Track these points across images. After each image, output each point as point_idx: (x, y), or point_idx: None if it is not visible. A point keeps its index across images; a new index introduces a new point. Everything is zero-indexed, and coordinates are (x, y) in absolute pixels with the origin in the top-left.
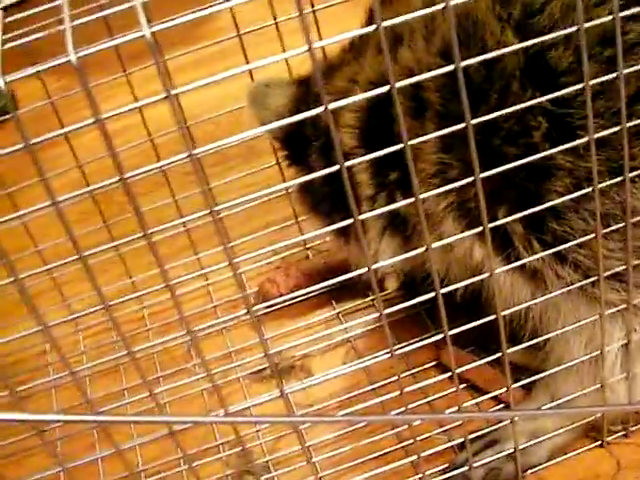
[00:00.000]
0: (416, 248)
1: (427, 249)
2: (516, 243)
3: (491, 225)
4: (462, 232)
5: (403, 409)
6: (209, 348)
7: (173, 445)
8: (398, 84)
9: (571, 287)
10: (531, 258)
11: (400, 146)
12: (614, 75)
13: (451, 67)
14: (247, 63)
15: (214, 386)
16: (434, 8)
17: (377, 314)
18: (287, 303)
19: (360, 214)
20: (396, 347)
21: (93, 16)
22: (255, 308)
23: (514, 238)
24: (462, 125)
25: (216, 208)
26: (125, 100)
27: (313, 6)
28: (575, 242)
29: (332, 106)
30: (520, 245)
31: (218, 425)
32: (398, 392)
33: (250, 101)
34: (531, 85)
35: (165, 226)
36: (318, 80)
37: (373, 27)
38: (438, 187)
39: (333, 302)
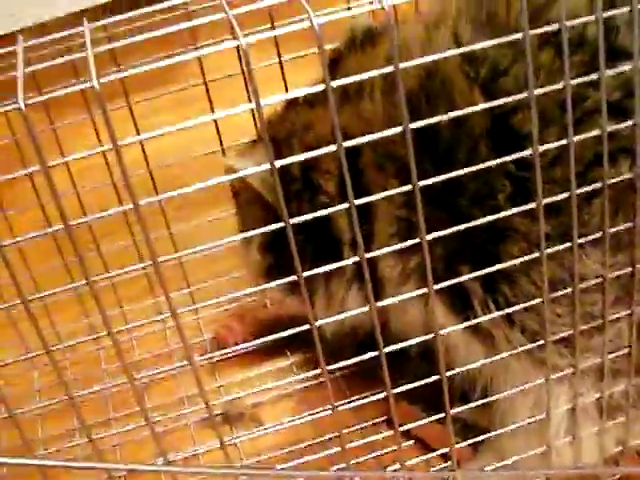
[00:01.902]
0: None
1: (370, 308)
2: (475, 305)
3: (445, 284)
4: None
5: (344, 465)
6: (162, 392)
7: None
8: (345, 143)
9: (518, 350)
10: (477, 320)
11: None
12: (564, 142)
13: (399, 129)
14: (212, 110)
15: (153, 433)
16: (386, 69)
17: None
18: (242, 351)
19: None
20: (339, 403)
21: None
22: (209, 355)
23: (473, 300)
24: (408, 187)
25: (160, 259)
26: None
27: (280, 56)
28: (521, 306)
29: (279, 163)
30: (478, 307)
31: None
32: (345, 446)
33: None
34: (497, 147)
35: (111, 274)
36: (264, 136)
37: (322, 87)
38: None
39: (288, 352)
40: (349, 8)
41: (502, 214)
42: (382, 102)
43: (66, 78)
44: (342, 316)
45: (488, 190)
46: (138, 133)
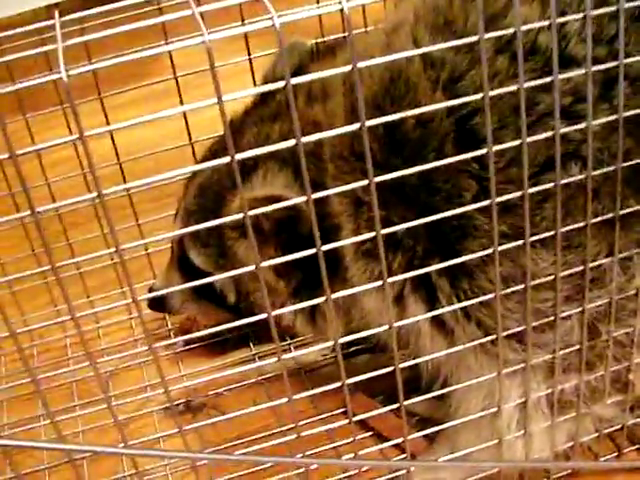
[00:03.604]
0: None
1: (327, 299)
2: (441, 299)
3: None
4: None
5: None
6: (127, 381)
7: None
8: (304, 139)
9: (472, 344)
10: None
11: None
12: (517, 143)
13: (356, 126)
14: (181, 104)
15: (114, 418)
16: (339, 70)
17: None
18: (206, 342)
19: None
20: (296, 394)
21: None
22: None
23: (440, 295)
24: (366, 182)
25: (123, 247)
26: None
27: (249, 54)
28: (474, 301)
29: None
30: (445, 302)
31: (127, 458)
32: (307, 434)
33: None
34: (461, 148)
35: (77, 260)
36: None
37: (282, 83)
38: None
39: (251, 344)
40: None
41: (458, 211)
42: (344, 104)
43: (41, 70)
44: (298, 306)
45: (457, 190)
46: (108, 124)
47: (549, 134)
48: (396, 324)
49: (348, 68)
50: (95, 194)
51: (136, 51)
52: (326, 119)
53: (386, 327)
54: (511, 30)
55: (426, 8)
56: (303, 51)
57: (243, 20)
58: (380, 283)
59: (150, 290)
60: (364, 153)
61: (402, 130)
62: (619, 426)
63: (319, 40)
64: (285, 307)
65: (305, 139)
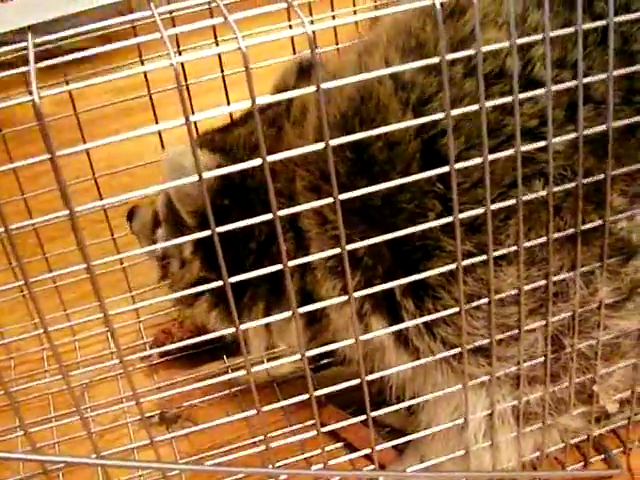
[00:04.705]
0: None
1: (293, 314)
2: (405, 319)
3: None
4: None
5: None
6: (104, 393)
7: None
8: (269, 158)
9: (436, 357)
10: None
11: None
12: (479, 160)
13: (321, 145)
14: (156, 122)
15: (87, 429)
16: (303, 90)
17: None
18: (179, 355)
19: None
20: (266, 407)
21: None
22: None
23: (404, 314)
24: (330, 200)
25: (94, 263)
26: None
27: (222, 71)
28: (438, 315)
29: (206, 175)
30: (407, 320)
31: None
32: (277, 445)
33: (169, 171)
34: (427, 169)
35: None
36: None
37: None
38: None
39: (224, 356)
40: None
41: (421, 227)
42: (314, 125)
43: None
44: (268, 319)
45: (421, 210)
46: (84, 141)
47: (511, 151)
48: (362, 337)
49: (312, 89)
50: (67, 212)
51: (112, 68)
52: (298, 140)
53: (352, 341)
54: (472, 51)
55: (398, 30)
56: (288, 69)
57: (216, 38)
58: (345, 298)
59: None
60: (329, 171)
61: (369, 152)
62: (585, 436)
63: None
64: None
65: (270, 158)
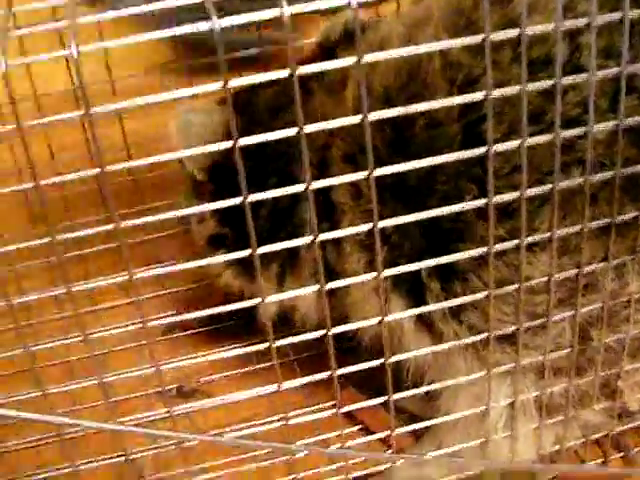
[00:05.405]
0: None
1: (320, 290)
2: (428, 300)
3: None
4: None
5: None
6: (122, 364)
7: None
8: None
9: (461, 342)
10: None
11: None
12: (517, 143)
13: (357, 118)
14: None
15: (104, 393)
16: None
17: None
18: (204, 329)
19: None
20: (286, 383)
21: None
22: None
23: (428, 295)
24: (365, 173)
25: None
26: None
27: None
28: (467, 299)
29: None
30: (431, 303)
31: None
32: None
33: (177, 129)
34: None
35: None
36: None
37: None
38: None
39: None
40: None
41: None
42: (354, 96)
43: None
44: (291, 294)
45: (456, 192)
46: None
47: (550, 136)
48: (386, 319)
49: (353, 60)
50: (98, 169)
51: None
52: (336, 108)
53: (375, 321)
54: (516, 31)
55: (450, 7)
56: (334, 28)
57: None
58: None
59: None
60: (366, 146)
61: (411, 130)
62: (605, 432)
63: None
64: None
65: (308, 128)
